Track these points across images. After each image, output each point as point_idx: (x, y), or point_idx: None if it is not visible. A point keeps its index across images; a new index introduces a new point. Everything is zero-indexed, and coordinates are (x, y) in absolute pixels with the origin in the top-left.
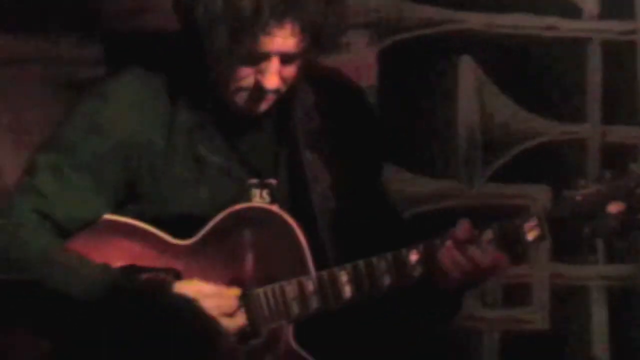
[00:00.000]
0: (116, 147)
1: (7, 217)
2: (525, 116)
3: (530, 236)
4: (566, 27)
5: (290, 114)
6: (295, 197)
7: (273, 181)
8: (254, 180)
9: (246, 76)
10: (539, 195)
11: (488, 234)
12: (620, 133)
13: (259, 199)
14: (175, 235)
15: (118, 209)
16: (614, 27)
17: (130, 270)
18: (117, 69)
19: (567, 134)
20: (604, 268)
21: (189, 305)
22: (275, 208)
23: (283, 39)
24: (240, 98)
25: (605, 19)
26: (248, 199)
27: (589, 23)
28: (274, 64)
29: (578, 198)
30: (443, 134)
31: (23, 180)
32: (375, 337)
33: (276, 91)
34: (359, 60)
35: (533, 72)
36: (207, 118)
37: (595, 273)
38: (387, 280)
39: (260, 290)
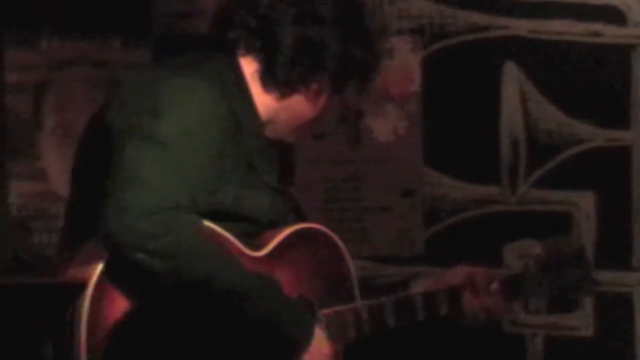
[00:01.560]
0: (218, 138)
1: (165, 199)
2: (570, 122)
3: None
4: (611, 33)
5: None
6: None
7: (295, 199)
8: (292, 202)
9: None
10: (583, 201)
11: (496, 285)
12: None
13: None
14: (239, 237)
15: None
16: None
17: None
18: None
19: (611, 140)
20: None
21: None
22: (329, 231)
23: None
24: (291, 130)
25: None
26: (291, 217)
27: (634, 29)
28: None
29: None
30: (487, 140)
31: (158, 155)
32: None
33: None
34: (403, 67)
35: (577, 79)
36: (255, 136)
37: (638, 280)
38: (421, 315)
39: (324, 312)
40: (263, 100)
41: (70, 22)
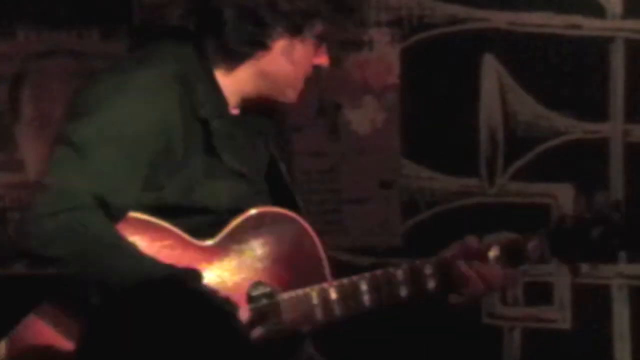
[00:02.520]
0: (151, 133)
1: (69, 201)
2: (548, 115)
3: (533, 255)
4: (589, 26)
5: (263, 120)
6: (279, 200)
7: (263, 184)
8: (261, 185)
9: (311, 66)
10: (562, 194)
11: (495, 251)
12: None
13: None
14: (194, 229)
15: (141, 196)
16: (637, 26)
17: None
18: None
19: (589, 133)
20: (626, 267)
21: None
22: (294, 214)
23: None
24: (296, 88)
25: (629, 18)
26: (256, 203)
27: (613, 22)
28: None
29: (568, 222)
30: (465, 132)
31: (70, 160)
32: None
33: None
34: (381, 59)
35: (556, 71)
36: (218, 117)
37: (617, 272)
38: (404, 291)
39: (285, 295)
40: (235, 75)
41: (48, 13)
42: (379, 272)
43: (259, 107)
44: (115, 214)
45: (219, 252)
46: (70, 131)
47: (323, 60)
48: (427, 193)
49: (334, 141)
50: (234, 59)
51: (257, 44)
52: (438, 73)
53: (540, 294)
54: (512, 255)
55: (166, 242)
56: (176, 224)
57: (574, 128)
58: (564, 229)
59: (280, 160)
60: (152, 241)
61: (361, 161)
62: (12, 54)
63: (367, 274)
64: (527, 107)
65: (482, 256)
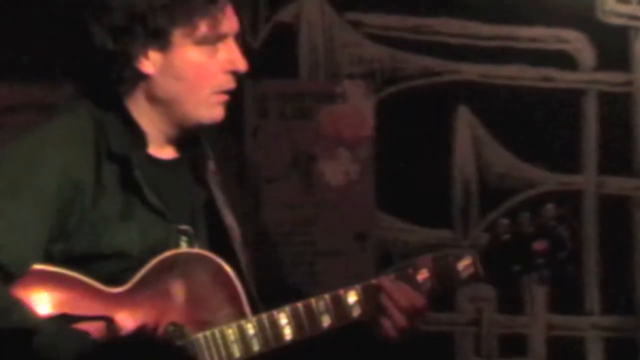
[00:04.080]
0: (53, 183)
1: None
2: (522, 167)
3: (464, 275)
4: (562, 78)
5: (204, 160)
6: (215, 247)
7: (189, 228)
8: (182, 226)
9: (216, 73)
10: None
11: (423, 273)
12: (617, 184)
13: (182, 245)
14: (105, 276)
15: (49, 247)
16: (609, 79)
17: (62, 320)
18: None
19: (563, 184)
20: (600, 319)
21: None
22: (209, 254)
23: (232, 14)
24: (211, 105)
25: (601, 71)
26: (177, 244)
27: (585, 74)
28: (235, 45)
29: (505, 237)
30: (439, 184)
31: None
32: None
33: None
34: (355, 111)
35: (529, 123)
36: (134, 152)
37: (591, 324)
38: (326, 321)
39: (200, 335)
40: (139, 108)
41: (18, 67)
42: (299, 303)
43: (194, 143)
44: (15, 273)
45: (131, 297)
46: None
47: (231, 65)
48: (401, 245)
49: (308, 193)
50: (123, 88)
51: (131, 60)
52: (412, 125)
53: (514, 345)
54: (441, 275)
55: (73, 293)
56: (87, 272)
57: (547, 180)
58: (501, 243)
59: (224, 201)
60: (58, 293)
61: (335, 213)
62: None
63: (286, 307)
64: (500, 158)
65: (410, 279)
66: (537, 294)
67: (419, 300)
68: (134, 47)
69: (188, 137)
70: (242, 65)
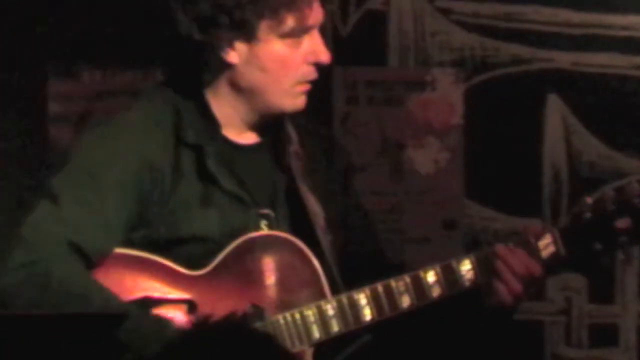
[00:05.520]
0: (133, 172)
1: (37, 252)
2: (613, 155)
3: (545, 254)
4: None
5: (285, 144)
6: (297, 231)
7: (270, 212)
8: (263, 210)
9: (300, 64)
10: None
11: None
12: None
13: (263, 228)
14: (187, 259)
15: (130, 234)
16: None
17: (144, 304)
18: None
19: None
20: None
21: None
22: (288, 236)
23: (317, 5)
24: (294, 95)
25: None
26: (257, 228)
27: None
28: (318, 36)
29: (587, 215)
30: (529, 172)
31: (46, 208)
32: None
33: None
34: (444, 99)
35: (620, 111)
36: (210, 140)
37: None
38: (406, 302)
39: (280, 316)
40: (220, 97)
41: (111, 55)
42: (378, 284)
43: (277, 128)
44: (94, 258)
45: (211, 280)
46: (48, 182)
47: (315, 56)
48: (490, 233)
49: (397, 181)
50: (207, 77)
51: (210, 53)
52: (501, 113)
53: (605, 335)
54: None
55: (155, 276)
56: (168, 256)
57: (639, 169)
58: (583, 221)
59: (308, 185)
60: (140, 276)
61: (424, 201)
62: (77, 94)
63: (366, 287)
64: (591, 147)
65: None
66: (629, 283)
67: (535, 267)
68: (219, 38)
69: (270, 123)
70: (325, 57)
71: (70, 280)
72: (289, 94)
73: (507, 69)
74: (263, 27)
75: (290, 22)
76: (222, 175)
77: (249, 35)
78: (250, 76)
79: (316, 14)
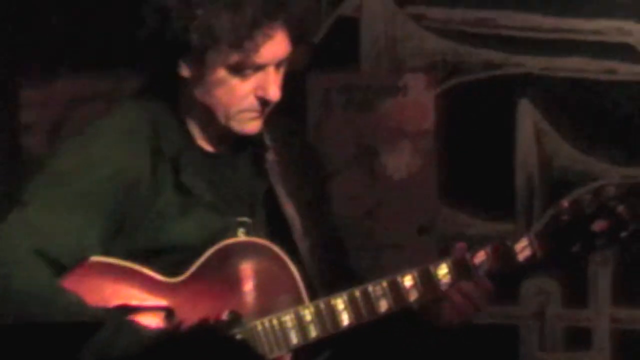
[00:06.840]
0: (106, 181)
1: (2, 257)
2: (584, 160)
3: (522, 257)
4: (625, 71)
5: (263, 152)
6: (275, 237)
7: (248, 219)
8: (241, 218)
9: (246, 95)
10: None
11: (480, 256)
12: None
13: (240, 236)
14: (165, 268)
15: (108, 244)
16: None
17: (122, 311)
18: None
19: (626, 178)
20: None
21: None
22: (265, 241)
23: (278, 44)
24: (241, 121)
25: None
26: (235, 236)
27: None
28: (273, 74)
29: (564, 218)
30: (501, 177)
31: (15, 215)
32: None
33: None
34: (417, 104)
35: (592, 116)
36: (185, 151)
37: None
38: (383, 306)
39: (258, 322)
40: (192, 99)
41: (86, 59)
42: (355, 289)
43: (252, 137)
44: (66, 264)
45: (188, 287)
46: (20, 190)
47: (263, 92)
48: (464, 238)
49: (370, 186)
50: (181, 87)
51: (173, 72)
52: (473, 118)
53: (578, 339)
54: (499, 259)
55: (133, 284)
56: (147, 265)
57: (611, 173)
58: (560, 224)
59: (285, 191)
60: (118, 284)
61: (398, 206)
62: (51, 101)
63: (343, 292)
64: (563, 151)
65: (466, 268)
66: (602, 287)
67: (480, 283)
68: (172, 51)
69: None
70: (273, 95)
71: (32, 283)
72: (236, 120)
73: (478, 74)
74: (209, 54)
75: (235, 58)
76: (198, 186)
77: (195, 58)
78: (201, 95)
79: (275, 51)
